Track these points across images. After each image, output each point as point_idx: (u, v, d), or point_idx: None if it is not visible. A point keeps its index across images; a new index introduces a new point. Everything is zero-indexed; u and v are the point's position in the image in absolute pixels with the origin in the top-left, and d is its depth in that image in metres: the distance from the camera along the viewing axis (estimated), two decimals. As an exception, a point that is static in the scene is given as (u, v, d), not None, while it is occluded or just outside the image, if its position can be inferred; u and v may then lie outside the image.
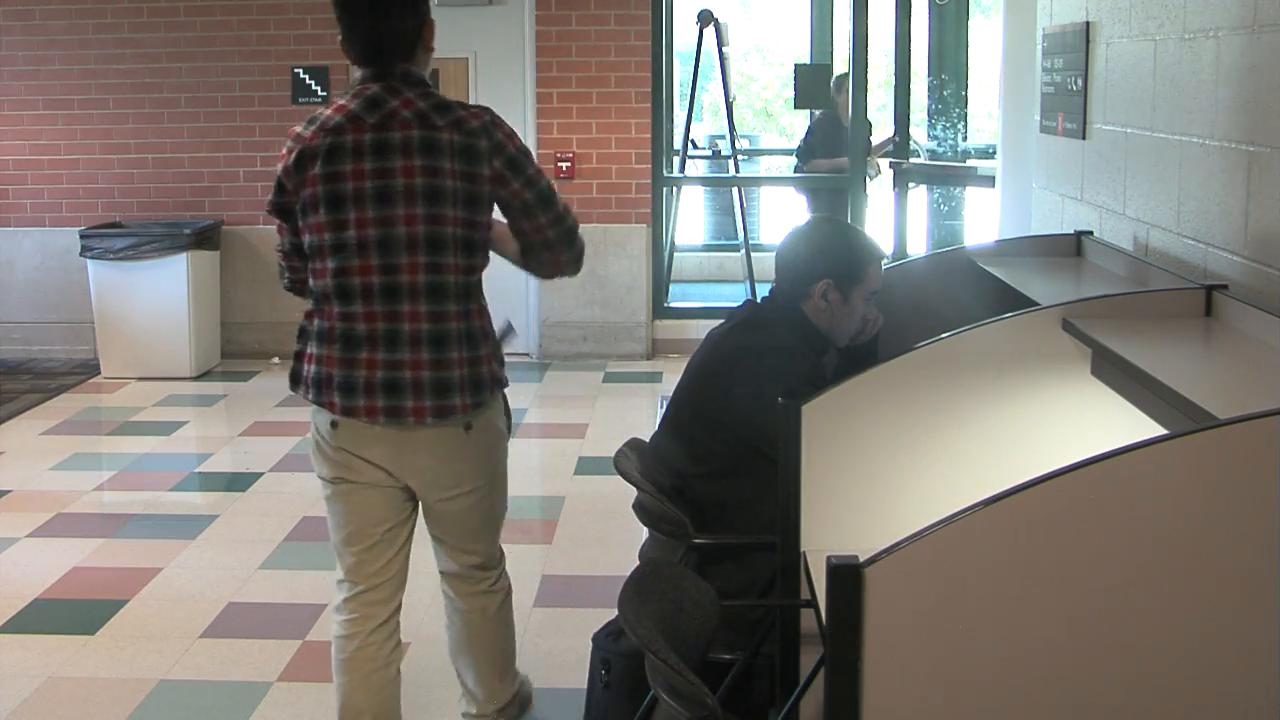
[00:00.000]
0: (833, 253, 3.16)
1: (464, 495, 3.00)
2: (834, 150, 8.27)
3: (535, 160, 2.93)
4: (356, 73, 2.91)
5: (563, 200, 2.95)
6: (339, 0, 2.88)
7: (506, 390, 3.03)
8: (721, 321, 3.26)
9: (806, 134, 8.72)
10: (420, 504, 3.05)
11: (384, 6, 2.82)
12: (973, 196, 8.28)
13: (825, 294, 3.11)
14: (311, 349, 2.90)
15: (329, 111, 2.87)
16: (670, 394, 3.32)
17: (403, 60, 2.86)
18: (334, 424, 2.89)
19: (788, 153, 14.88)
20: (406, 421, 2.84)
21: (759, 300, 3.30)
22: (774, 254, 3.26)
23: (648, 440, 3.36)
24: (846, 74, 8.22)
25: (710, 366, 3.15)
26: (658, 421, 3.50)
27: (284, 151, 2.89)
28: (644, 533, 3.36)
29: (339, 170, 2.80)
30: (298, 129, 2.90)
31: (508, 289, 7.97)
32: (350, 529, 3.00)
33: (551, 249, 2.95)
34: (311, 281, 2.91)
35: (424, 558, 4.72)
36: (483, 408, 2.92)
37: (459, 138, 2.81)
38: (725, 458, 3.06)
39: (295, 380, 2.95)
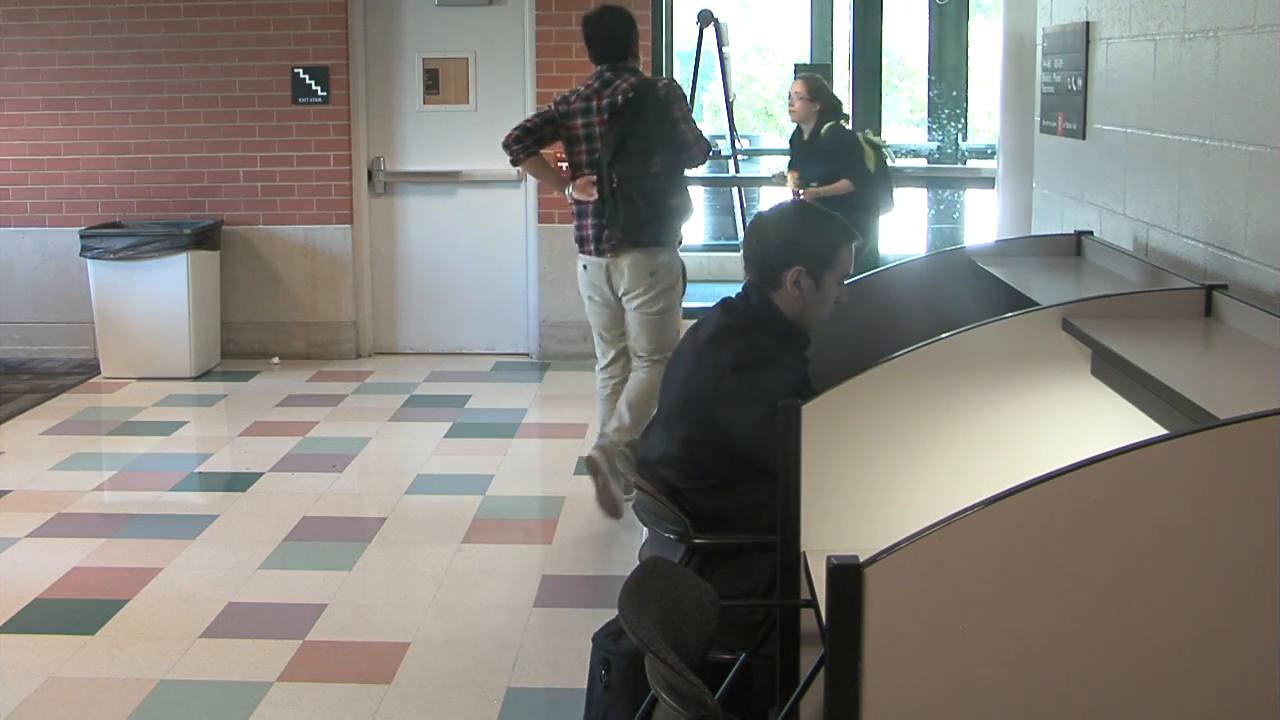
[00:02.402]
0: (802, 238, 3.11)
1: (644, 307, 5.10)
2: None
3: (687, 109, 5.17)
4: (595, 68, 5.12)
5: (692, 131, 5.06)
6: (587, 28, 5.12)
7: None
8: (696, 321, 3.23)
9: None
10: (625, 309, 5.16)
11: (613, 36, 5.09)
12: (972, 197, 8.28)
13: (797, 281, 3.07)
14: (579, 220, 5.12)
15: (583, 88, 5.11)
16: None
17: (622, 60, 5.09)
18: (585, 266, 5.15)
19: (787, 153, 14.87)
20: (624, 250, 5.02)
21: (734, 297, 3.23)
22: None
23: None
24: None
25: (694, 386, 3.10)
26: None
27: (553, 103, 5.19)
28: (644, 533, 3.35)
29: (590, 121, 5.07)
30: (565, 93, 5.18)
31: (508, 289, 8.02)
32: (599, 328, 5.25)
33: (689, 149, 5.09)
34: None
35: (425, 559, 4.74)
36: (663, 248, 5.08)
37: (654, 104, 4.99)
38: (721, 474, 3.05)
39: (578, 240, 5.16)
